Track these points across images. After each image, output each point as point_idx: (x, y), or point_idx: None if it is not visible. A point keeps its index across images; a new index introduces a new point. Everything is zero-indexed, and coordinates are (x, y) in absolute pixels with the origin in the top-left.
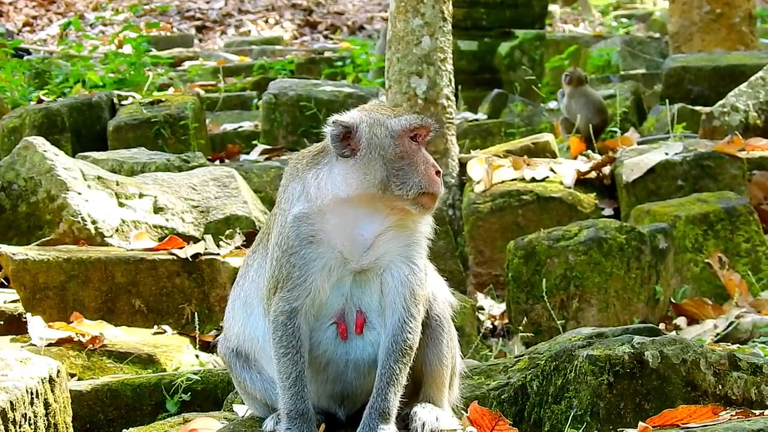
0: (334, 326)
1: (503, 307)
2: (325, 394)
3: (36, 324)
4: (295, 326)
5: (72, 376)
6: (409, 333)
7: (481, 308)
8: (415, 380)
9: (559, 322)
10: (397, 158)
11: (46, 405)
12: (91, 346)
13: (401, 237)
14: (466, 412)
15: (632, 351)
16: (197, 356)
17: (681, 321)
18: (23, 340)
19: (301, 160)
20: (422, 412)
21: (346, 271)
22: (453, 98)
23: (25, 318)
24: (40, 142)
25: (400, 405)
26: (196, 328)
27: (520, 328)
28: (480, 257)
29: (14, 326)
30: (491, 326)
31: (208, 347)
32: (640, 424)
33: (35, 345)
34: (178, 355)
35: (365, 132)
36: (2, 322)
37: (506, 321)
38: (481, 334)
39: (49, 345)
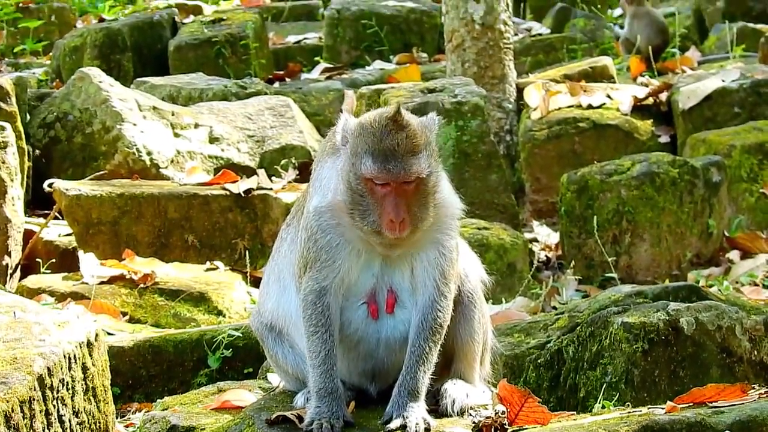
0: (365, 306)
1: (559, 235)
2: (357, 371)
3: (88, 261)
4: (324, 305)
5: (124, 314)
6: (440, 312)
7: (536, 240)
8: (446, 356)
9: (611, 258)
10: (359, 193)
11: (84, 369)
12: (143, 284)
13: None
14: (502, 372)
15: (667, 318)
16: (249, 293)
17: (734, 255)
18: (75, 277)
19: (330, 140)
20: (453, 389)
21: (375, 254)
22: (510, 23)
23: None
24: (96, 73)
25: (431, 381)
26: (248, 264)
27: (572, 267)
28: (537, 184)
29: (68, 261)
30: (545, 258)
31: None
32: (668, 403)
33: (87, 283)
34: (230, 293)
35: (347, 149)
36: (54, 260)
37: (560, 253)
38: (534, 267)
39: (101, 283)
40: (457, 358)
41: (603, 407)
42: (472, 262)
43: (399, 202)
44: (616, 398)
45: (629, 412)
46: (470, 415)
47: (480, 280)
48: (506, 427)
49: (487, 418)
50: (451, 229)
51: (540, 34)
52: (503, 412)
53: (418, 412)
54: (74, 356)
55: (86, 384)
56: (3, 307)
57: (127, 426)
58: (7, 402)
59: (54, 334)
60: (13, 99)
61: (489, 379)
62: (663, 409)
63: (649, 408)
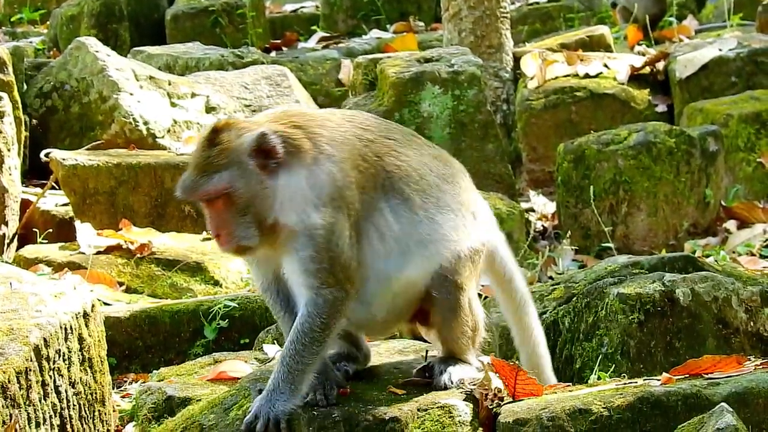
0: None
1: (555, 205)
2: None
3: (85, 231)
4: (272, 296)
5: (120, 284)
6: (307, 318)
7: (532, 210)
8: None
9: (607, 228)
10: None
11: (81, 340)
12: (139, 254)
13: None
14: (498, 343)
15: (663, 289)
16: (245, 263)
17: (731, 224)
18: (72, 247)
19: None
20: (443, 364)
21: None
22: None
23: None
24: (92, 42)
25: (422, 358)
26: None
27: (568, 236)
28: (533, 154)
29: (65, 231)
30: (542, 228)
31: None
32: (664, 374)
33: (84, 253)
34: (227, 263)
35: None
36: (51, 230)
37: (557, 222)
38: (530, 237)
39: (98, 253)
40: (443, 342)
41: (599, 378)
42: (457, 233)
43: (212, 217)
44: (611, 369)
45: (625, 384)
46: (462, 387)
47: (463, 256)
48: (503, 400)
49: (483, 392)
50: (304, 244)
51: (537, 3)
52: (500, 390)
53: (271, 408)
54: (70, 327)
55: (82, 355)
56: None
57: (123, 396)
58: (4, 373)
59: (50, 304)
60: (10, 68)
61: (479, 351)
62: (659, 380)
63: (644, 379)
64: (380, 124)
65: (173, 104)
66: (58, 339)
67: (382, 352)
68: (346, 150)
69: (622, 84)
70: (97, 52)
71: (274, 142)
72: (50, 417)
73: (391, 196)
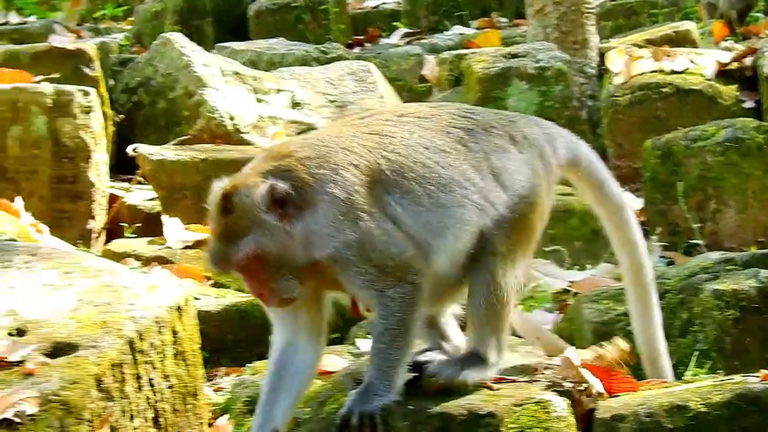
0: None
1: (642, 201)
2: None
3: (172, 226)
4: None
5: (208, 279)
6: (381, 321)
7: None
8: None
9: (696, 225)
10: None
11: (174, 333)
12: None
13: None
14: (590, 339)
15: (759, 285)
16: None
17: None
18: (160, 242)
19: None
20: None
21: None
22: None
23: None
24: (178, 38)
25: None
26: None
27: (657, 233)
28: (619, 150)
29: (152, 226)
30: None
31: None
32: (762, 371)
33: (171, 247)
34: None
35: None
36: (140, 224)
37: (644, 219)
38: None
39: (186, 247)
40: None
41: (694, 375)
42: (473, 211)
43: (248, 279)
44: (707, 366)
45: (722, 380)
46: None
47: (488, 232)
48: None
49: (580, 391)
50: (342, 267)
51: None
52: (601, 393)
53: (367, 402)
54: (164, 320)
55: (176, 348)
56: (92, 271)
57: (215, 390)
58: (99, 365)
59: (143, 298)
60: (97, 64)
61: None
62: (757, 377)
63: (742, 376)
64: (362, 116)
65: (259, 100)
66: (151, 332)
67: None
68: (336, 159)
69: (709, 80)
70: (182, 47)
71: (284, 189)
72: (144, 410)
73: (392, 191)
